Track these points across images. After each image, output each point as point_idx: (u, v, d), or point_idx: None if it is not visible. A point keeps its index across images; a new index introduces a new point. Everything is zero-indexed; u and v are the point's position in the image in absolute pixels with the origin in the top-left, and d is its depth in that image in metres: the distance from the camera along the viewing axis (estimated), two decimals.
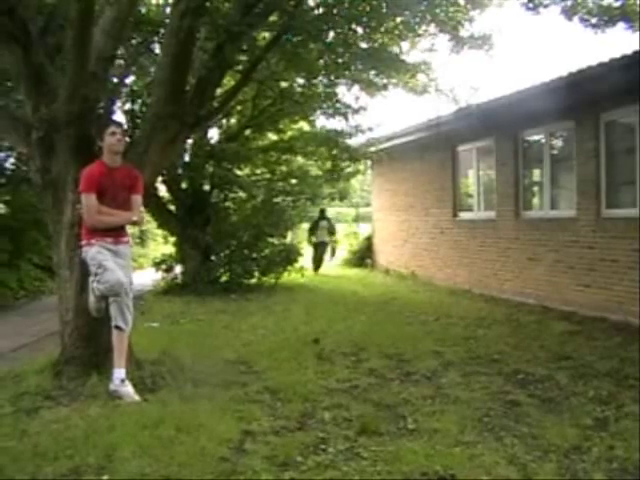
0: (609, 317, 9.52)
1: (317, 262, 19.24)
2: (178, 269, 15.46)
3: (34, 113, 6.35)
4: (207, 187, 15.59)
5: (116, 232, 5.95)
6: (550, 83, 10.06)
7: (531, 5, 9.31)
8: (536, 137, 12.19)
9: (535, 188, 12.67)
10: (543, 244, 11.46)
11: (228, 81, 11.01)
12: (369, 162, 18.45)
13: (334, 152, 15.87)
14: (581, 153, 10.50)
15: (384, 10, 8.92)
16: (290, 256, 15.58)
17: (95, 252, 5.82)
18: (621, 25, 9.34)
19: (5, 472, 4.18)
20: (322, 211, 19.90)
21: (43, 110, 6.28)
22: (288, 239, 17.31)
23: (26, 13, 6.04)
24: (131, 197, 5.99)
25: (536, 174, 12.57)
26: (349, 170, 17.66)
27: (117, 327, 5.81)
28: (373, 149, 16.64)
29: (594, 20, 9.23)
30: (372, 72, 11.99)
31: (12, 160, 14.86)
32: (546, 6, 9.32)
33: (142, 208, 6.28)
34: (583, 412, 5.37)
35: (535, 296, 11.47)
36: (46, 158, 6.38)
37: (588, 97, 9.79)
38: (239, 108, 15.16)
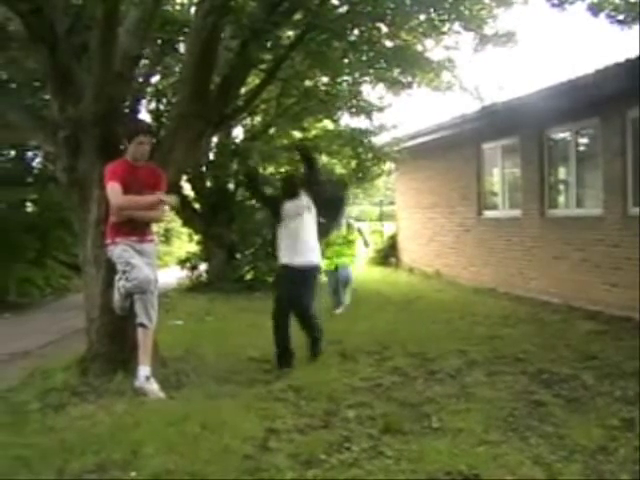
0: (635, 317, 9.40)
1: None
2: (203, 267, 15.54)
3: (60, 113, 6.42)
4: (231, 185, 15.64)
5: (141, 230, 5.98)
6: (575, 80, 9.96)
7: (556, 1, 9.22)
8: (561, 135, 12.09)
9: (561, 186, 12.56)
10: (569, 243, 11.36)
11: (252, 80, 11.03)
12: (393, 163, 18.36)
13: (359, 150, 15.82)
14: (607, 150, 10.39)
15: (408, 8, 8.90)
16: None
17: (121, 250, 5.86)
18: None
19: (33, 467, 4.24)
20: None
21: (69, 110, 6.34)
22: None
23: (53, 14, 6.10)
24: (155, 194, 6.02)
25: (562, 172, 12.46)
26: (374, 170, 17.59)
27: (141, 325, 5.86)
28: (397, 148, 16.57)
29: (621, 17, 9.12)
30: (396, 70, 11.95)
31: (39, 159, 15.01)
32: (572, 2, 9.22)
33: (171, 200, 6.28)
34: (609, 412, 5.31)
35: (560, 295, 11.37)
36: (72, 157, 6.45)
37: (614, 94, 9.67)
38: (263, 107, 15.17)
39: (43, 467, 4.23)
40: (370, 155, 16.25)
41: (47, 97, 7.44)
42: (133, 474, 4.10)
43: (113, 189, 5.76)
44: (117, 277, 6.02)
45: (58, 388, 6.01)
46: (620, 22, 9.13)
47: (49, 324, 10.78)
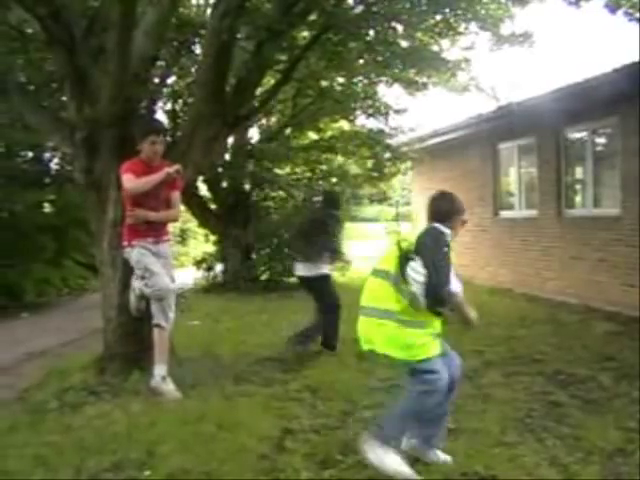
0: None
1: None
2: (219, 267, 15.58)
3: (78, 114, 6.47)
4: (247, 186, 15.67)
5: (157, 231, 6.00)
6: (592, 79, 9.90)
7: None
8: (578, 134, 12.01)
9: (578, 186, 12.48)
10: (586, 243, 11.28)
11: (268, 80, 11.06)
12: (410, 163, 18.34)
13: (376, 150, 15.80)
14: (625, 150, 10.32)
15: (424, 8, 8.89)
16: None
17: (139, 255, 5.88)
18: None
19: (50, 465, 4.27)
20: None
21: (87, 111, 6.39)
22: None
23: (70, 16, 6.15)
24: (170, 193, 6.03)
25: (579, 172, 12.37)
26: (390, 170, 17.57)
27: (157, 325, 5.89)
28: (415, 148, 16.53)
29: (638, 14, 9.06)
30: (412, 71, 11.94)
31: (56, 160, 15.12)
32: (588, 0, 9.17)
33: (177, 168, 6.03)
34: (627, 414, 5.27)
35: (578, 296, 11.30)
36: (90, 158, 6.49)
37: (631, 93, 9.61)
38: (279, 107, 15.21)
39: (60, 466, 4.26)
40: (387, 155, 16.24)
41: (64, 98, 7.49)
42: (147, 473, 4.13)
43: (127, 178, 5.77)
44: (133, 278, 6.05)
45: (75, 387, 6.06)
46: (638, 20, 9.07)
47: (66, 324, 10.85)
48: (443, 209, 4.36)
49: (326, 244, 7.62)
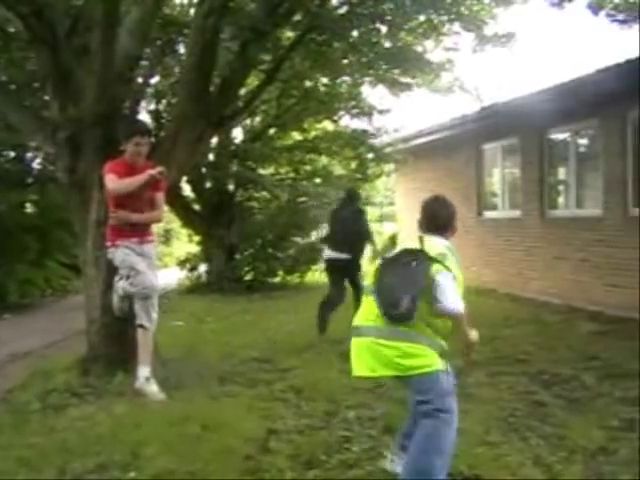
0: (636, 317, 9.40)
1: None
2: (203, 268, 15.55)
3: (61, 113, 6.43)
4: (231, 187, 15.65)
5: (141, 231, 5.98)
6: (575, 81, 9.96)
7: (556, 0, 9.24)
8: (561, 135, 12.08)
9: (561, 187, 12.56)
10: (569, 243, 11.36)
11: (252, 81, 11.05)
12: (393, 165, 18.37)
13: (360, 150, 15.83)
14: (607, 151, 10.39)
15: (408, 8, 8.91)
16: (314, 255, 15.58)
17: (123, 254, 5.85)
18: None
19: (33, 466, 4.25)
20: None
21: (70, 110, 6.35)
22: (313, 238, 17.29)
23: (53, 15, 6.11)
24: (154, 194, 6.00)
25: (561, 173, 12.45)
26: (375, 171, 17.61)
27: (141, 326, 5.86)
28: (398, 148, 16.56)
29: (621, 16, 9.14)
30: (396, 71, 11.97)
31: (39, 160, 15.02)
32: (571, 0, 9.24)
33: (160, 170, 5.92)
34: (610, 413, 5.29)
35: (561, 296, 11.37)
36: (73, 158, 6.45)
37: (614, 95, 9.67)
38: (263, 107, 15.20)
39: (44, 467, 4.23)
40: (371, 155, 16.26)
41: (47, 98, 7.44)
42: (132, 474, 4.11)
43: (109, 177, 5.73)
44: (116, 279, 6.02)
45: (59, 389, 6.02)
46: (620, 22, 9.15)
47: (50, 325, 10.78)
48: (444, 216, 4.20)
49: (361, 233, 8.68)
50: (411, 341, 3.61)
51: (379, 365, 3.66)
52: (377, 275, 3.73)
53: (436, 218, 4.14)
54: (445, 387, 3.74)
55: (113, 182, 5.71)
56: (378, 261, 3.86)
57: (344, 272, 8.63)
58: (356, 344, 3.77)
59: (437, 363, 3.68)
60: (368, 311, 3.75)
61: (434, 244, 3.87)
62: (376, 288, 3.68)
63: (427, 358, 3.65)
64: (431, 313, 3.67)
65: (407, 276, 3.61)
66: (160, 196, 6.05)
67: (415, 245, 3.84)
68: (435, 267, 3.66)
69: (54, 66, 6.29)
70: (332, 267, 8.84)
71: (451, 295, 3.70)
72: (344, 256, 8.53)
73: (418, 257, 3.70)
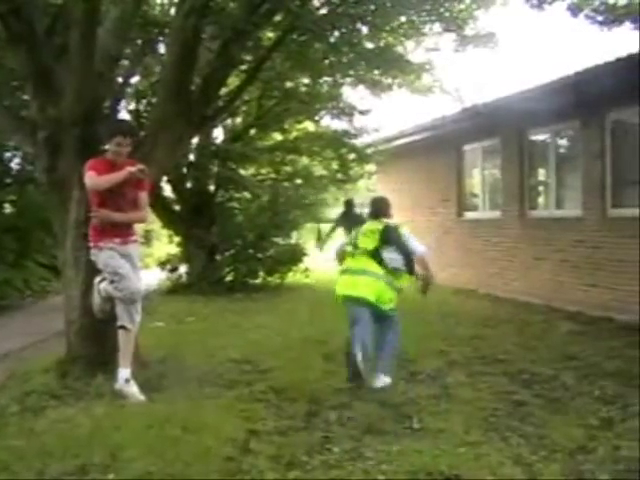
0: (615, 317, 9.48)
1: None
2: (183, 269, 15.47)
3: (40, 113, 6.37)
4: (212, 187, 15.60)
5: (125, 231, 5.92)
6: (556, 82, 10.03)
7: (535, 2, 9.28)
8: (542, 137, 12.16)
9: (540, 188, 12.65)
10: (549, 244, 11.43)
11: (233, 81, 11.02)
12: (374, 167, 18.39)
13: (342, 151, 15.83)
14: (587, 153, 10.47)
15: (389, 9, 8.93)
16: (295, 256, 15.56)
17: (107, 257, 5.80)
18: (628, 24, 9.31)
19: (12, 469, 4.20)
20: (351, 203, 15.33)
21: (49, 110, 6.30)
22: (293, 239, 17.26)
23: (32, 14, 6.06)
24: (138, 194, 5.96)
25: (541, 174, 12.54)
26: (357, 171, 17.63)
27: (123, 327, 5.81)
28: (380, 149, 16.59)
29: (600, 18, 9.19)
30: (377, 72, 11.99)
31: (18, 160, 14.89)
32: (550, 3, 9.29)
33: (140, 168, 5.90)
34: (589, 412, 5.35)
35: (541, 296, 11.44)
36: (52, 158, 6.40)
37: (594, 96, 9.74)
38: (244, 108, 15.17)
39: (23, 470, 4.18)
40: (353, 156, 16.28)
41: (26, 97, 7.38)
42: (111, 477, 4.07)
43: (89, 175, 5.68)
44: (97, 280, 5.98)
45: (37, 391, 5.96)
46: (600, 23, 9.20)
47: (28, 326, 10.68)
48: (388, 207, 6.78)
49: None
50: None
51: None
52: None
53: (383, 208, 6.70)
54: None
55: (91, 178, 5.67)
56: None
57: None
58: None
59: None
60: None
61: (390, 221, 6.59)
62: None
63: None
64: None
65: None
66: (144, 196, 5.98)
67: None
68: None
69: (33, 65, 6.24)
70: None
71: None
72: None
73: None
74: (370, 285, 6.09)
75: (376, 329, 6.19)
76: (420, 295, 6.66)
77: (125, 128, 6.16)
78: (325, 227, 16.45)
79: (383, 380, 6.01)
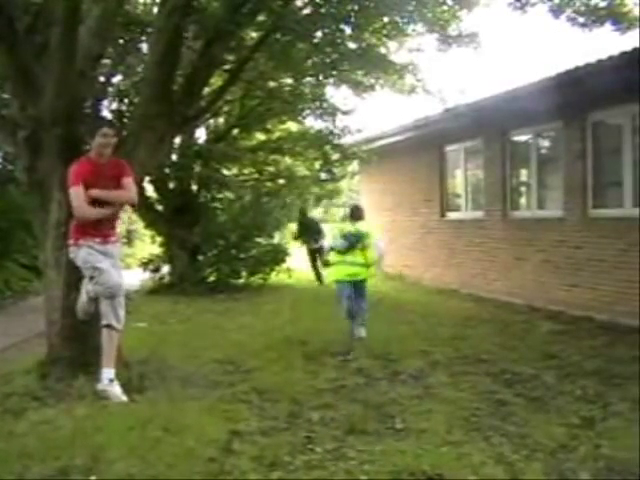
0: (596, 317, 9.55)
1: (319, 271, 16.39)
2: (165, 269, 15.42)
3: (21, 112, 6.32)
4: (195, 187, 15.56)
5: (105, 231, 5.88)
6: (538, 83, 10.08)
7: (518, 4, 9.33)
8: (524, 137, 12.22)
9: (523, 188, 12.71)
10: (530, 244, 11.50)
11: (216, 81, 11.00)
12: (357, 165, 18.40)
13: (325, 149, 15.82)
14: (568, 153, 10.54)
15: (372, 10, 8.94)
16: (277, 256, 15.55)
17: (85, 254, 5.76)
18: (609, 25, 9.39)
19: None
20: (304, 212, 17.32)
21: (30, 109, 6.24)
22: (275, 239, 17.25)
23: (12, 12, 6.00)
24: (122, 181, 5.88)
25: (524, 174, 12.60)
26: (340, 171, 17.65)
27: (109, 326, 5.76)
28: (363, 149, 16.61)
29: (582, 19, 9.26)
30: (360, 72, 12.00)
31: None
32: (533, 5, 9.34)
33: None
34: (570, 411, 5.39)
35: (522, 296, 11.50)
36: (33, 157, 6.35)
37: (576, 98, 9.81)
38: (227, 108, 15.14)
39: (3, 472, 4.15)
40: (337, 156, 16.28)
41: (6, 96, 7.32)
42: (93, 478, 4.05)
43: (75, 195, 5.65)
44: (85, 281, 5.92)
45: (18, 392, 5.91)
46: (581, 25, 9.26)
47: (8, 327, 10.60)
48: (363, 212, 8.82)
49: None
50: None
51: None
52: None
53: (360, 214, 8.67)
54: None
55: (81, 207, 5.65)
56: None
57: None
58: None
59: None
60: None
61: (365, 225, 8.73)
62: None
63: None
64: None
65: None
66: (128, 180, 5.91)
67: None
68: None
69: (13, 64, 6.17)
70: None
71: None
72: None
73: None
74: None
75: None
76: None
77: (110, 122, 6.15)
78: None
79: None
